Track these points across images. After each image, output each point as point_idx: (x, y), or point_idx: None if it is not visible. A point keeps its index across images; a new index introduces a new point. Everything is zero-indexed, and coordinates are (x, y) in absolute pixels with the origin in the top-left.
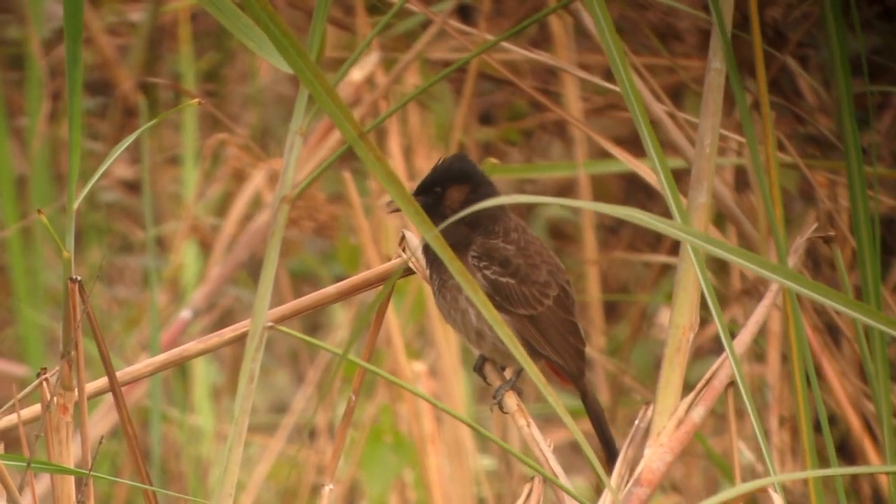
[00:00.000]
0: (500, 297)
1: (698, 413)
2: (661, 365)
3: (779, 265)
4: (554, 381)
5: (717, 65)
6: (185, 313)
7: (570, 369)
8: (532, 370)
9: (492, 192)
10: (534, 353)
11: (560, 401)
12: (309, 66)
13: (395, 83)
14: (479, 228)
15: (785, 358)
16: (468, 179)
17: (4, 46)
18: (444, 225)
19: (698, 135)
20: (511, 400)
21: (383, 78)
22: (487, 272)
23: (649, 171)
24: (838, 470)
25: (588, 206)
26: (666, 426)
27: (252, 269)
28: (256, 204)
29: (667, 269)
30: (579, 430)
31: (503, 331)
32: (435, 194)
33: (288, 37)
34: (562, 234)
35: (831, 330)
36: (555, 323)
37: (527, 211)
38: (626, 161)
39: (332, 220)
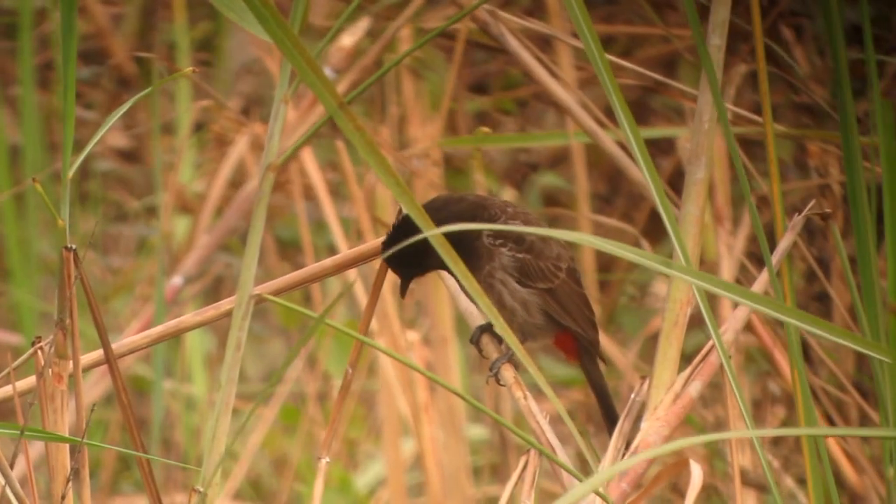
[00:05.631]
0: (519, 274)
1: (695, 388)
2: (653, 335)
3: (761, 295)
4: (559, 356)
5: (716, 41)
6: (176, 280)
7: (588, 337)
8: (518, 348)
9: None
10: (553, 324)
11: (543, 377)
12: (289, 37)
13: (388, 52)
14: (480, 218)
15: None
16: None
17: None
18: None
19: (697, 109)
20: (508, 372)
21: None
22: (505, 249)
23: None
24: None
25: (563, 235)
26: (663, 400)
27: (244, 235)
28: (245, 170)
29: (661, 239)
30: (564, 405)
31: (484, 301)
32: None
33: (268, 7)
34: (556, 202)
35: (821, 299)
36: (570, 295)
37: (521, 178)
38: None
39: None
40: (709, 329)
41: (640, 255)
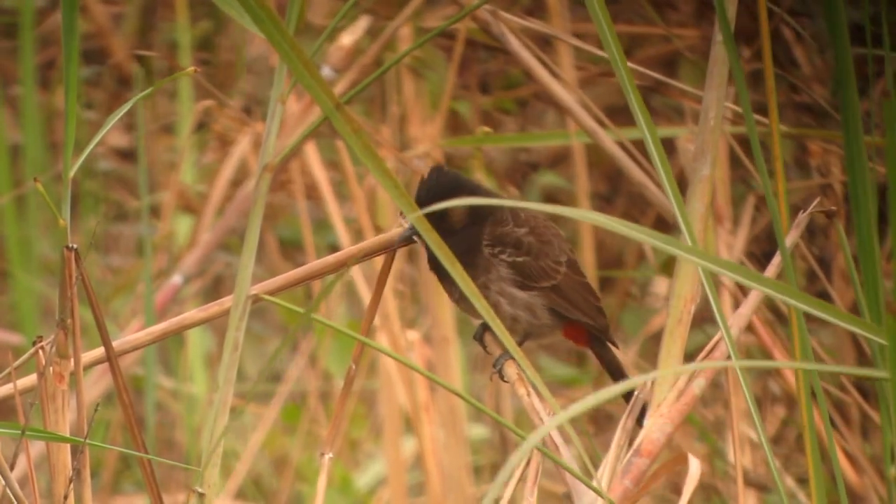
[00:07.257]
0: (521, 277)
1: (698, 385)
2: (653, 334)
3: (766, 277)
4: (561, 356)
5: (721, 38)
6: (175, 279)
7: (598, 325)
8: (517, 352)
9: (483, 194)
10: (561, 319)
11: (540, 378)
12: (285, 37)
13: (388, 52)
14: (488, 221)
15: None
16: (462, 193)
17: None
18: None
19: (703, 107)
20: (511, 369)
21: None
22: (504, 256)
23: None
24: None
25: (575, 214)
26: (666, 397)
27: (244, 235)
28: (247, 170)
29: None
30: (566, 405)
31: (481, 302)
32: (438, 215)
33: (264, 7)
34: (556, 201)
35: (822, 298)
36: (574, 287)
37: (521, 178)
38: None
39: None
40: (716, 322)
41: (650, 236)
